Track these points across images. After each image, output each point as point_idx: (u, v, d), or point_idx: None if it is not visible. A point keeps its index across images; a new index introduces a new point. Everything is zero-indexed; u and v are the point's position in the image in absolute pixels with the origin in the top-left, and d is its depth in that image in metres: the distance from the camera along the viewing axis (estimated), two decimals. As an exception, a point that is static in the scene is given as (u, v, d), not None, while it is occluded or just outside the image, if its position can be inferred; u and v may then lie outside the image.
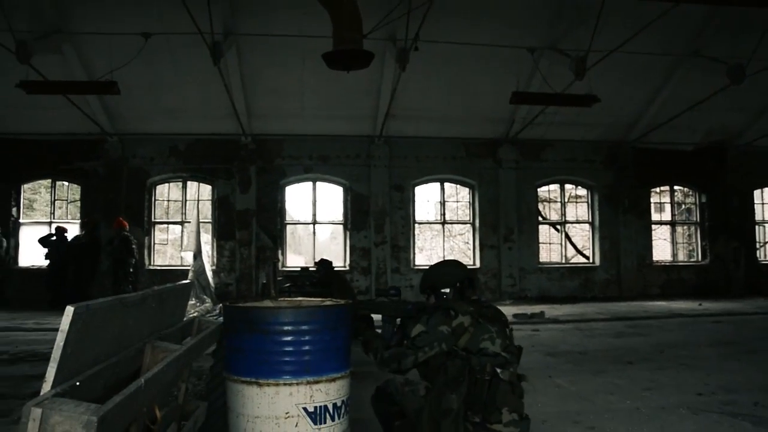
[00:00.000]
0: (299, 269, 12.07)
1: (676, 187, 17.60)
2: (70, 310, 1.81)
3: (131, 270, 13.62)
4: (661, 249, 17.99)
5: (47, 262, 13.80)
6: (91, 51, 12.21)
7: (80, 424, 1.62)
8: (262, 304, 3.71)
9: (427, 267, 3.89)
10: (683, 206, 18.03)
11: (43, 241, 13.82)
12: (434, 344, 3.23)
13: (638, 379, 5.91)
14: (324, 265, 10.23)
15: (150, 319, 2.73)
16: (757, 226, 17.58)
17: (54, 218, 15.47)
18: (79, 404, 1.68)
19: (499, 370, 3.14)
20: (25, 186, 16.10)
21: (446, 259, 3.56)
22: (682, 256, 17.62)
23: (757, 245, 17.45)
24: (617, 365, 6.67)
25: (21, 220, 15.37)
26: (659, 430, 4.20)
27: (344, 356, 3.33)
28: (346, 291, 9.41)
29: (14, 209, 15.08)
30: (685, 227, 17.94)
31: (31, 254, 14.76)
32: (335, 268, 11.05)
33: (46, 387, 1.77)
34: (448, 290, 3.56)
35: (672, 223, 17.58)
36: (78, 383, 1.89)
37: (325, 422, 3.15)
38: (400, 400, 3.40)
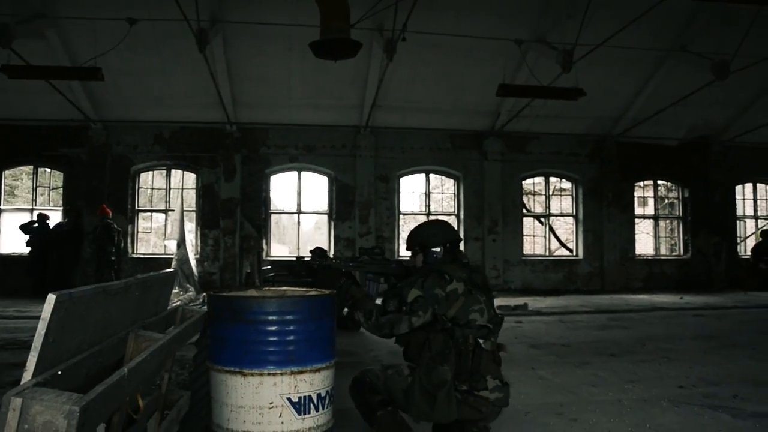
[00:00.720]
0: (295, 258, 12.06)
1: (659, 182, 17.75)
2: (52, 298, 1.78)
3: (113, 258, 13.48)
4: (644, 243, 18.17)
5: (29, 249, 13.64)
6: (75, 36, 12.04)
7: (62, 413, 1.59)
8: (246, 293, 3.68)
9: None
10: (666, 201, 18.20)
11: (25, 227, 13.65)
12: (428, 309, 3.26)
13: (621, 371, 5.95)
14: (317, 253, 10.23)
15: (133, 307, 2.70)
16: (738, 221, 17.81)
17: (36, 205, 15.30)
18: (61, 394, 1.65)
19: (481, 341, 3.24)
20: (6, 172, 15.89)
21: (435, 218, 3.55)
22: (664, 250, 17.80)
23: (738, 240, 17.67)
24: (600, 357, 6.72)
25: (2, 207, 15.18)
26: (641, 422, 4.23)
27: (329, 346, 3.32)
28: (332, 279, 9.36)
29: (-5, 196, 14.89)
30: (668, 221, 18.13)
31: (12, 241, 14.58)
32: (329, 257, 11.04)
33: (27, 376, 1.74)
34: (438, 249, 3.52)
35: (655, 217, 17.74)
36: (60, 372, 1.86)
37: (309, 412, 3.14)
38: (383, 386, 3.39)
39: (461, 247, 3.70)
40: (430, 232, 3.58)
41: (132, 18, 11.29)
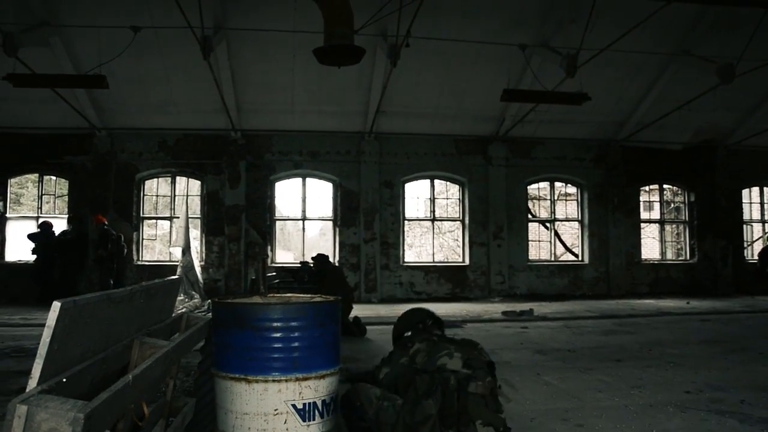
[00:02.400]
0: (300, 263, 12.07)
1: (665, 186, 17.69)
2: (57, 305, 1.78)
3: (113, 265, 13.47)
4: (650, 247, 18.11)
5: (34, 257, 13.68)
6: (80, 44, 12.10)
7: (66, 421, 1.60)
8: (250, 300, 3.68)
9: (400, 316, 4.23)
10: (672, 205, 18.13)
11: (33, 237, 13.69)
12: (392, 377, 3.34)
13: (626, 376, 5.92)
14: (318, 259, 10.26)
15: (138, 314, 2.71)
16: (744, 225, 17.74)
17: (41, 213, 15.33)
18: (66, 401, 1.66)
19: (465, 383, 3.16)
20: (12, 180, 15.95)
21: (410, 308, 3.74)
22: (670, 255, 17.74)
23: (745, 244, 17.60)
24: (606, 363, 6.69)
25: (8, 215, 15.23)
26: (647, 428, 4.21)
27: (333, 353, 3.32)
28: (337, 285, 9.38)
29: (0, 203, 14.94)
30: (674, 226, 18.05)
31: (18, 249, 14.62)
32: (332, 263, 11.02)
33: (32, 383, 1.75)
34: (409, 333, 3.86)
35: (661, 222, 17.69)
36: (65, 380, 1.86)
37: (313, 419, 3.14)
38: (372, 415, 3.24)
39: (439, 322, 4.13)
40: (400, 320, 4.06)
41: (136, 26, 11.34)
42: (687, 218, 17.49)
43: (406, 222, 16.23)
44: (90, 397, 1.75)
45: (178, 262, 13.21)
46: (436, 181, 16.57)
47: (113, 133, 14.84)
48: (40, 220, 14.44)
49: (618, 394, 5.20)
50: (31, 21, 11.40)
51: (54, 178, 15.69)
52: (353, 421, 3.26)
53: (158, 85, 13.47)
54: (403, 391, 3.22)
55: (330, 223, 16.03)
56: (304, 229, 16.10)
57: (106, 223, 13.67)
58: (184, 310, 10.59)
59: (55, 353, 1.81)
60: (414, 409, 3.03)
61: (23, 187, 20.11)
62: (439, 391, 3.09)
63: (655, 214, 18.08)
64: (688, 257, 17.35)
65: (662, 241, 17.58)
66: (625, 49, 11.57)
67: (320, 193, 16.17)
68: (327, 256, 10.54)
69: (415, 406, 3.04)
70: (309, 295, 3.94)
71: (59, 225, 14.47)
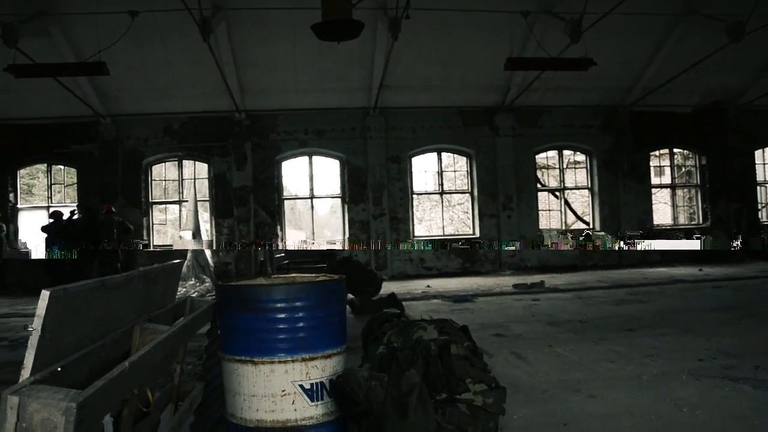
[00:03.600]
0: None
1: (675, 150, 17.46)
2: (45, 294, 1.75)
3: (117, 251, 13.46)
4: (662, 213, 17.93)
5: (46, 246, 13.75)
6: (79, 32, 12.03)
7: (59, 410, 1.57)
8: (254, 281, 3.65)
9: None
10: (683, 169, 17.91)
11: (46, 228, 13.75)
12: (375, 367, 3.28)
13: (639, 346, 5.88)
14: (342, 263, 9.88)
15: (138, 300, 2.68)
16: (759, 187, 17.46)
17: (52, 202, 15.40)
18: (58, 390, 1.63)
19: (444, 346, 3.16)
20: (23, 171, 16.04)
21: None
22: (682, 220, 17.55)
23: (759, 207, 17.35)
24: (618, 333, 6.64)
25: (19, 206, 15.31)
26: (661, 396, 4.17)
27: (339, 332, 3.30)
28: (367, 281, 9.23)
29: (11, 194, 15.01)
30: (686, 190, 17.84)
31: (31, 239, 14.71)
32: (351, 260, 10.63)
33: (25, 374, 1.73)
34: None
35: (672, 187, 17.50)
36: (59, 369, 1.84)
37: (321, 399, 3.13)
38: (363, 397, 3.11)
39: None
40: (366, 328, 3.98)
41: (134, 11, 11.25)
42: (699, 182, 17.28)
43: (414, 196, 16.16)
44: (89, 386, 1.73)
45: (188, 246, 13.22)
46: (444, 154, 16.46)
47: (118, 120, 14.82)
48: (51, 210, 14.50)
49: (631, 364, 5.16)
50: (29, 11, 11.36)
51: (62, 167, 15.72)
52: (346, 407, 3.17)
53: (160, 70, 13.40)
54: (388, 370, 3.19)
55: (338, 201, 16.00)
56: (312, 207, 16.08)
57: (113, 210, 13.69)
58: (195, 294, 10.63)
59: (47, 342, 1.78)
60: (399, 382, 2.97)
61: (34, 177, 20.18)
62: (421, 359, 3.08)
63: (666, 179, 17.86)
64: (700, 221, 17.17)
65: (674, 206, 17.41)
66: (630, 11, 11.30)
67: (327, 171, 16.12)
68: (347, 259, 10.29)
69: (399, 378, 2.99)
70: (313, 275, 3.90)
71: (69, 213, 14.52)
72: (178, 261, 3.73)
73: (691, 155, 17.59)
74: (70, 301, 1.89)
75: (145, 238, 15.13)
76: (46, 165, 15.81)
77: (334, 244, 15.41)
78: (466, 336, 3.37)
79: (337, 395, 3.18)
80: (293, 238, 16.73)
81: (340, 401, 3.18)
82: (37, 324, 1.75)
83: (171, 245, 15.35)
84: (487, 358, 3.32)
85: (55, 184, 15.71)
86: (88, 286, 2.04)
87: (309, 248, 15.19)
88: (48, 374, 1.76)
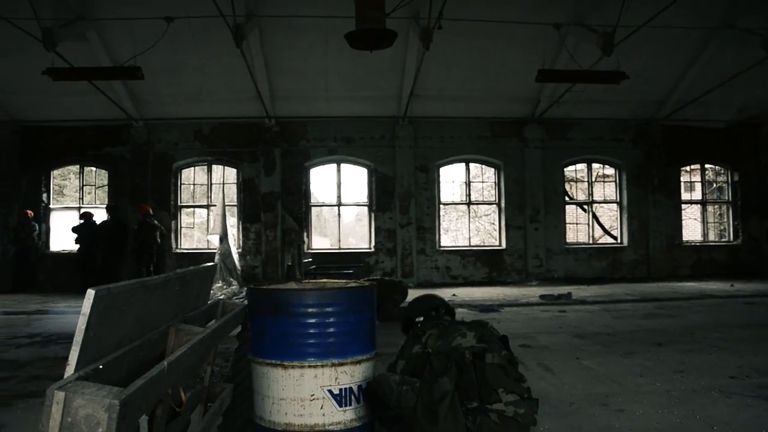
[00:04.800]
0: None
1: (707, 166, 17.22)
2: (91, 293, 1.79)
3: (152, 253, 13.78)
4: (692, 229, 17.68)
5: (77, 246, 14.02)
6: (115, 37, 12.28)
7: (102, 407, 1.61)
8: (286, 286, 3.69)
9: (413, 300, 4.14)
10: (714, 185, 17.65)
11: (76, 228, 14.03)
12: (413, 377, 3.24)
13: (668, 361, 5.80)
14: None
15: (173, 302, 2.72)
16: (793, 205, 17.12)
17: (83, 203, 15.68)
18: (102, 387, 1.67)
19: (480, 355, 3.16)
20: (55, 172, 16.34)
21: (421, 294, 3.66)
22: (713, 236, 17.30)
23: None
24: (646, 347, 6.55)
25: (51, 206, 15.62)
26: (690, 413, 4.11)
27: (369, 338, 3.31)
28: (398, 292, 9.28)
29: (44, 195, 15.32)
30: (717, 206, 17.58)
31: (63, 239, 15.00)
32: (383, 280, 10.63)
33: (69, 370, 1.77)
34: (420, 319, 3.80)
35: (703, 203, 17.25)
36: (101, 366, 1.88)
37: (350, 404, 3.14)
38: (396, 402, 3.13)
39: (449, 310, 3.96)
40: (410, 309, 3.99)
41: (169, 16, 11.47)
42: (730, 198, 17.01)
43: (441, 206, 16.15)
44: (126, 384, 1.77)
45: (215, 249, 13.39)
46: (472, 165, 16.43)
47: (150, 124, 15.06)
48: (82, 211, 14.78)
49: (659, 379, 5.09)
50: (68, 16, 11.61)
51: (94, 169, 16.01)
52: (378, 411, 3.21)
53: (193, 75, 13.60)
54: (420, 375, 3.21)
55: (365, 209, 16.06)
56: (339, 214, 16.15)
57: (150, 211, 13.98)
58: (222, 296, 10.74)
59: (90, 340, 1.83)
60: (431, 387, 3.00)
61: (66, 178, 20.60)
62: (455, 367, 3.09)
63: (697, 195, 17.61)
64: (731, 238, 16.90)
65: (704, 222, 17.16)
66: (664, 24, 11.21)
67: (355, 179, 16.21)
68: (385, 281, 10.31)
69: (432, 384, 3.01)
70: (344, 281, 3.92)
71: (100, 215, 14.77)
72: (212, 264, 3.79)
73: (722, 171, 17.34)
74: (113, 300, 1.93)
75: (173, 240, 15.33)
76: (78, 166, 16.10)
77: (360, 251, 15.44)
78: (504, 345, 3.35)
79: (370, 399, 3.20)
80: (319, 245, 16.82)
81: (372, 405, 3.20)
82: (81, 322, 1.79)
83: (196, 249, 15.55)
84: (522, 368, 3.30)
85: (86, 185, 15.99)
86: (129, 287, 2.08)
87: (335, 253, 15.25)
88: (91, 371, 1.80)
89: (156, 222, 14.07)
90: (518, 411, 3.01)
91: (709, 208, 17.39)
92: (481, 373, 3.07)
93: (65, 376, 1.75)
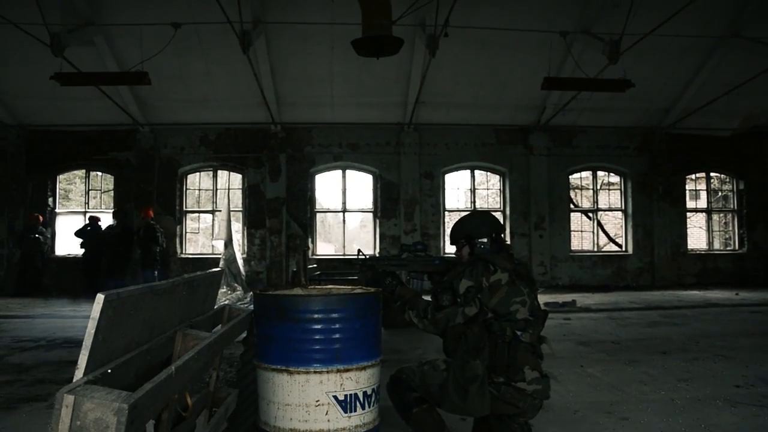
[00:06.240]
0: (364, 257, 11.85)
1: (712, 174, 17.20)
2: (100, 297, 1.81)
3: (157, 257, 13.80)
4: (697, 237, 17.65)
5: (83, 251, 14.06)
6: (122, 42, 12.35)
7: (111, 411, 1.62)
8: (292, 292, 3.70)
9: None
10: (720, 193, 17.62)
11: (79, 233, 14.06)
12: (476, 299, 3.21)
13: (673, 369, 5.79)
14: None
15: (181, 306, 2.74)
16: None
17: (88, 208, 15.74)
18: (111, 391, 1.69)
19: (519, 333, 3.17)
20: (61, 176, 16.39)
21: (478, 209, 3.53)
22: (718, 245, 17.25)
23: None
24: (651, 355, 6.55)
25: (57, 210, 15.68)
26: (695, 422, 4.10)
27: (375, 344, 3.31)
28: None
29: (50, 199, 15.38)
30: (722, 215, 17.54)
31: (67, 243, 15.05)
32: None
33: (79, 374, 1.78)
34: (484, 240, 3.46)
35: (708, 211, 17.21)
36: (110, 370, 1.89)
37: (355, 410, 3.14)
38: (419, 382, 3.33)
39: (507, 239, 3.72)
40: (475, 223, 3.53)
41: (176, 22, 11.52)
42: (736, 207, 16.98)
43: (446, 213, 16.15)
44: (134, 388, 1.78)
45: (220, 254, 13.41)
46: (477, 172, 16.44)
47: (156, 129, 15.12)
48: (88, 215, 14.83)
49: (664, 388, 5.08)
50: (76, 21, 11.68)
51: (100, 173, 16.06)
52: (404, 394, 3.36)
53: (199, 80, 13.66)
54: (453, 341, 3.24)
55: (370, 215, 16.07)
56: (344, 221, 16.17)
57: (152, 215, 14.02)
58: (227, 302, 10.74)
59: (99, 344, 1.84)
60: (464, 368, 3.11)
61: (71, 183, 20.64)
62: (487, 349, 3.13)
63: (702, 203, 17.58)
64: (737, 247, 16.86)
65: (709, 230, 17.11)
66: (671, 33, 11.23)
67: (360, 185, 16.21)
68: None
69: (464, 363, 3.11)
70: (350, 287, 3.93)
71: (106, 220, 14.81)
72: (218, 269, 3.80)
73: (728, 179, 17.31)
74: (121, 305, 1.95)
75: (178, 246, 15.36)
76: (84, 171, 16.16)
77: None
78: (543, 321, 3.35)
79: (393, 386, 3.42)
80: (323, 250, 16.83)
81: (396, 393, 3.41)
82: (91, 326, 1.81)
83: (200, 254, 15.56)
84: (546, 348, 3.32)
85: (91, 190, 16.05)
86: (138, 291, 2.10)
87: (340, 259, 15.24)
88: (100, 375, 1.82)
89: (158, 226, 14.06)
90: (537, 388, 3.14)
91: (714, 217, 17.35)
92: (513, 353, 3.12)
93: (74, 380, 1.77)
